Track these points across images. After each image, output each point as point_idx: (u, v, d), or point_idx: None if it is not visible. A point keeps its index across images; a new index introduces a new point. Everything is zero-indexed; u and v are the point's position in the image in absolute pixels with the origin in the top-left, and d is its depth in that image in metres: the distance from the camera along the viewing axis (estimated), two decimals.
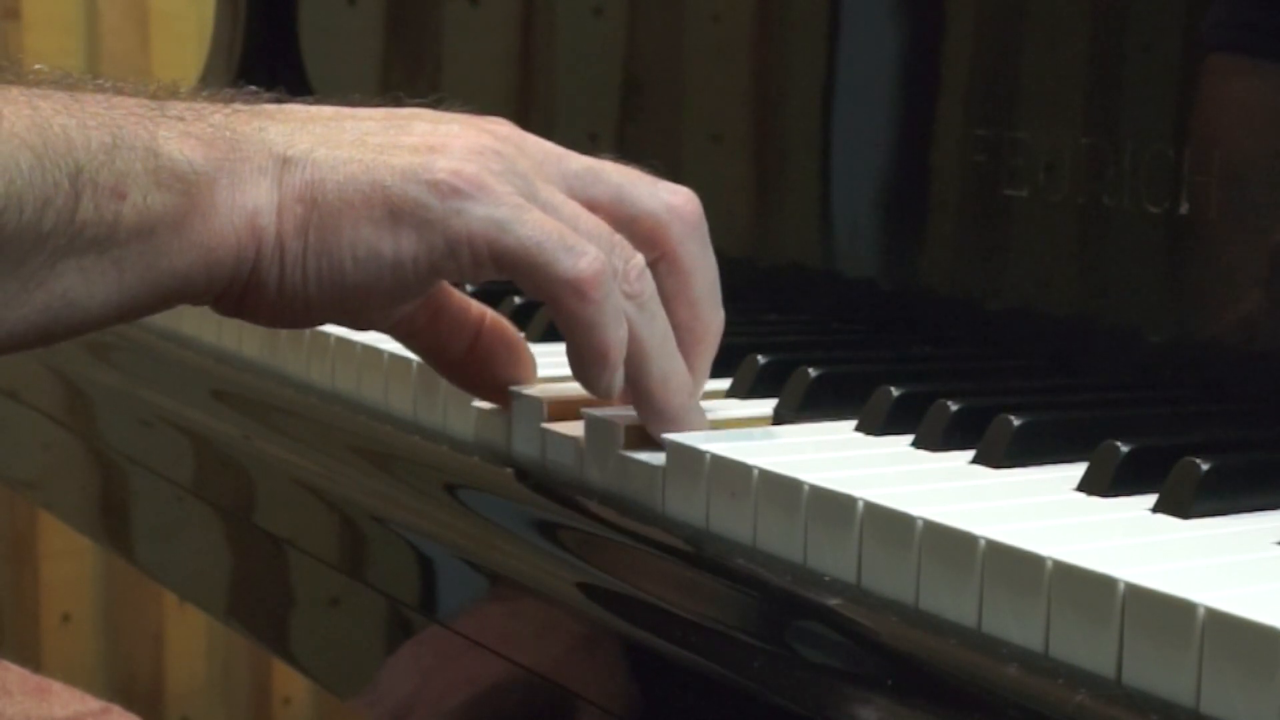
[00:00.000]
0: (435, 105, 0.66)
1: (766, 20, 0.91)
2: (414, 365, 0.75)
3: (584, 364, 0.62)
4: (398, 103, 0.66)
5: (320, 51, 1.30)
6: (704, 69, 0.95)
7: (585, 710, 0.61)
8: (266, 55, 1.32)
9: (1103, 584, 0.47)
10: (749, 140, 0.93)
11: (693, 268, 0.66)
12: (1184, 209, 0.69)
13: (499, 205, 0.60)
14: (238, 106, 0.61)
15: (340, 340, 0.81)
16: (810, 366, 0.69)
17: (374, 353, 0.78)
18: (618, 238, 0.63)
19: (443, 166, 0.60)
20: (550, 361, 0.74)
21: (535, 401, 0.68)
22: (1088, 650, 0.47)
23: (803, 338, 0.83)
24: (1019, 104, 0.77)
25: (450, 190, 0.60)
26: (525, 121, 0.67)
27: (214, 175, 0.58)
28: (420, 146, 0.61)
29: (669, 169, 0.67)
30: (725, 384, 0.72)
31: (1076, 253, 0.74)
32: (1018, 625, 0.49)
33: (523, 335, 0.72)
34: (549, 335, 0.82)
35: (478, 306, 0.69)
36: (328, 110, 0.63)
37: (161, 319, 0.98)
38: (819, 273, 0.87)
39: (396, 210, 0.59)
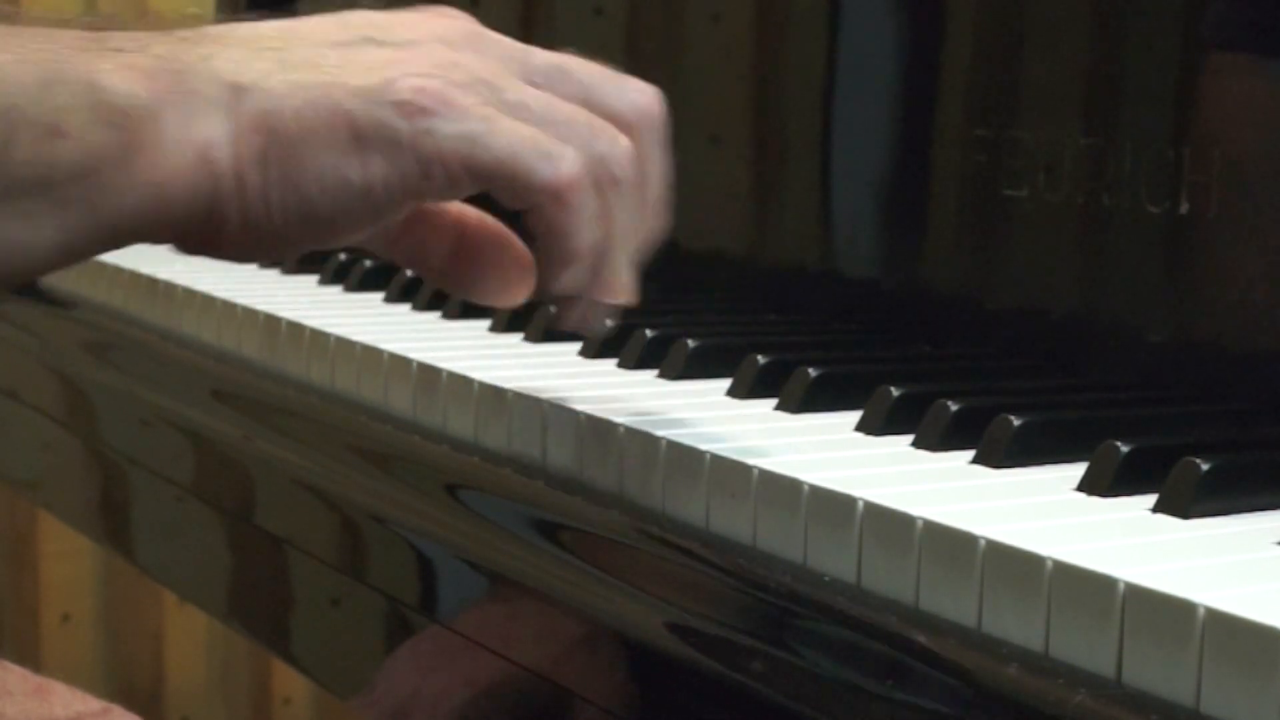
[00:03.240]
0: (389, 6, 0.63)
1: (766, 20, 0.91)
2: (414, 365, 0.75)
3: (553, 264, 0.60)
4: (351, 5, 0.63)
5: None
6: (704, 69, 0.95)
7: (586, 711, 0.61)
8: None
9: (1103, 584, 0.47)
10: (749, 140, 0.93)
11: (651, 171, 0.63)
12: (1184, 209, 0.69)
13: (468, 119, 0.57)
14: (182, 33, 0.58)
15: (340, 340, 0.81)
16: (810, 366, 0.69)
17: (374, 353, 0.78)
18: (597, 121, 0.60)
19: (405, 85, 0.57)
20: (549, 360, 0.74)
21: (536, 401, 0.68)
22: (1088, 650, 0.47)
23: (803, 338, 0.83)
24: (1019, 104, 0.77)
25: (417, 110, 0.57)
26: None
27: (158, 109, 0.55)
28: (377, 63, 0.58)
29: (669, 169, 0.67)
30: (725, 384, 0.72)
31: (1076, 253, 0.74)
32: (1018, 625, 0.49)
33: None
34: (549, 336, 0.82)
35: (454, 206, 0.66)
36: (274, 28, 0.60)
37: (162, 319, 0.98)
38: (819, 273, 0.87)
39: (361, 134, 0.57)
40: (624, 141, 0.60)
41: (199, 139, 0.56)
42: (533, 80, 0.61)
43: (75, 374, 1.08)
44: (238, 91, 0.56)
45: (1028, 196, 0.75)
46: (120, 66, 0.55)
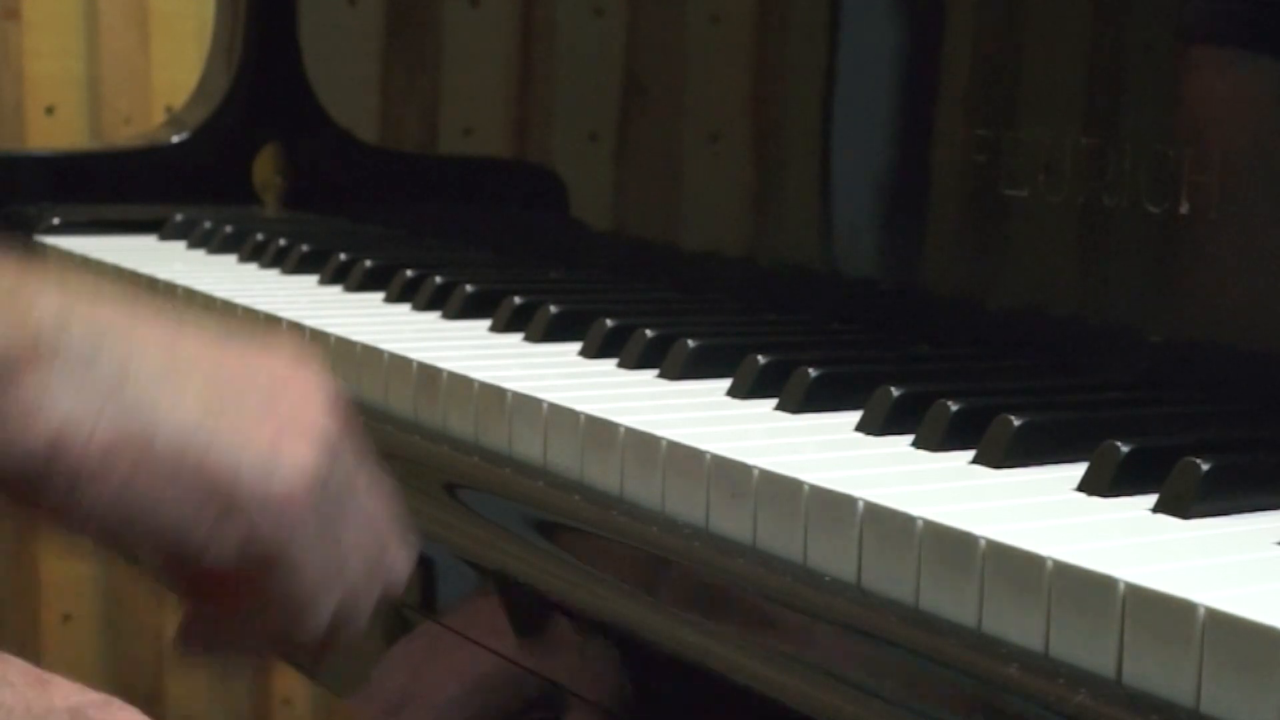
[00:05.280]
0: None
1: (766, 20, 0.91)
2: (414, 365, 0.75)
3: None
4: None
5: (320, 51, 1.30)
6: (704, 69, 0.95)
7: (586, 710, 0.61)
8: (266, 55, 1.33)
9: (1103, 584, 0.47)
10: (749, 140, 0.93)
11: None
12: (1184, 209, 0.69)
13: None
14: None
15: (340, 340, 0.81)
16: (810, 366, 0.69)
17: (374, 353, 0.79)
18: None
19: None
20: (550, 361, 0.74)
21: (535, 402, 0.68)
22: (1088, 650, 0.47)
23: (803, 338, 0.83)
24: (1019, 104, 0.77)
25: None
26: (526, 122, 0.66)
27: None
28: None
29: (669, 169, 0.67)
30: (725, 384, 0.72)
31: (1076, 253, 0.74)
32: (1018, 625, 0.49)
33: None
34: (549, 335, 0.82)
35: None
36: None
37: None
38: (819, 273, 0.87)
39: None
40: None
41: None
42: None
43: None
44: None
45: (1028, 196, 0.75)
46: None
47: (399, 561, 0.59)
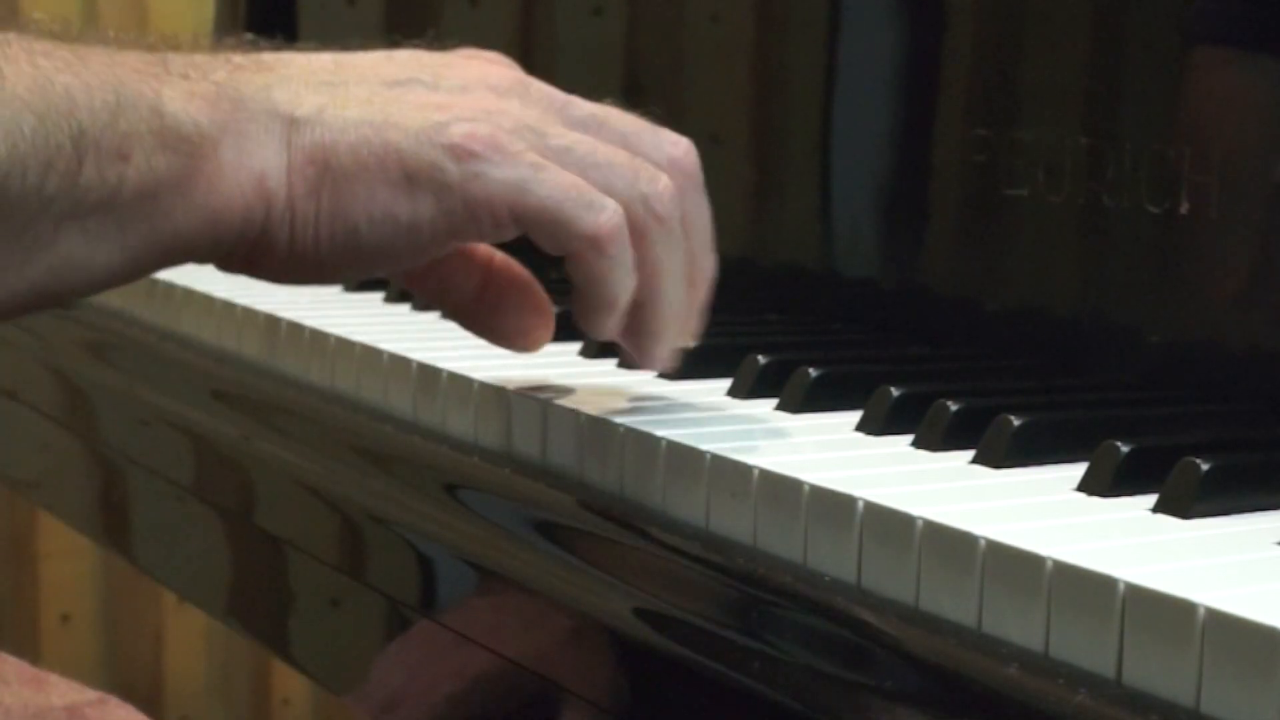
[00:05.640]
0: (433, 44, 0.65)
1: (766, 20, 0.91)
2: (414, 365, 0.75)
3: (591, 312, 0.62)
4: (394, 44, 0.65)
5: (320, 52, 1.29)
6: (704, 69, 0.95)
7: (585, 710, 0.61)
8: None
9: (1103, 584, 0.47)
10: (749, 140, 0.93)
11: (693, 218, 0.65)
12: (1184, 209, 0.69)
13: (517, 166, 0.59)
14: (238, 60, 0.60)
15: (340, 340, 0.81)
16: (810, 366, 0.69)
17: (374, 353, 0.78)
18: (638, 161, 0.62)
19: (456, 130, 0.59)
20: (550, 361, 0.74)
21: (536, 402, 0.68)
22: (1088, 650, 0.47)
23: (803, 338, 0.83)
24: (1019, 104, 0.77)
25: (466, 153, 0.59)
26: None
27: (219, 136, 0.57)
28: (429, 104, 0.60)
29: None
30: (725, 384, 0.72)
31: (1076, 253, 0.74)
32: (1018, 625, 0.49)
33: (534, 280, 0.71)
34: (556, 335, 0.82)
35: (484, 247, 0.68)
36: (328, 62, 0.62)
37: (162, 319, 0.98)
38: (819, 273, 0.87)
39: (412, 174, 0.59)
40: (665, 180, 0.62)
41: (256, 167, 0.58)
42: (574, 128, 0.63)
43: (75, 374, 1.08)
44: (294, 123, 0.59)
45: (1028, 196, 0.75)
46: (184, 94, 0.57)
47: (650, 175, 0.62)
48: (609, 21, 1.02)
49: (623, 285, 0.61)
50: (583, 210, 0.60)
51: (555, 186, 0.60)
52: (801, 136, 0.89)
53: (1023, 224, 0.76)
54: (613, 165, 0.61)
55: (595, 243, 0.60)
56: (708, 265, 0.66)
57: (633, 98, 1.01)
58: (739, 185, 0.92)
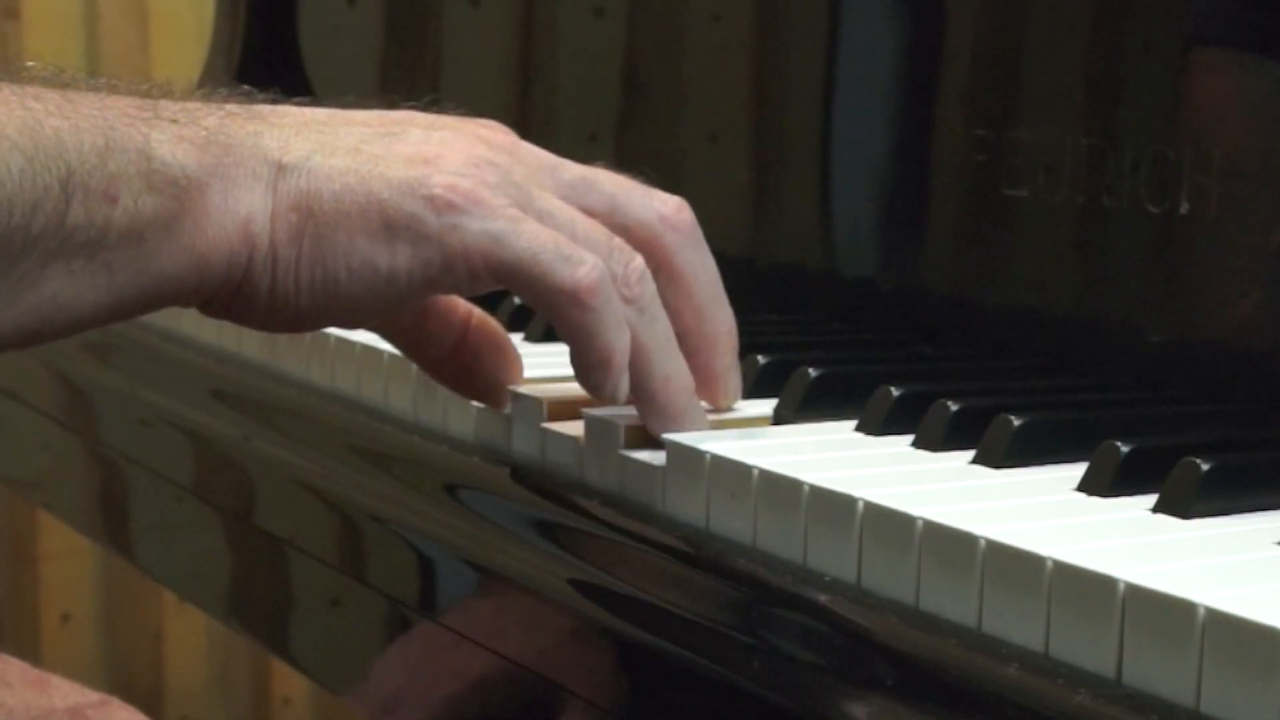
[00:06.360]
0: (429, 107, 0.66)
1: (766, 20, 0.91)
2: (414, 365, 0.75)
3: (588, 371, 0.62)
4: (392, 105, 0.66)
5: (320, 52, 1.29)
6: (704, 69, 0.95)
7: (585, 710, 0.61)
8: (266, 55, 1.32)
9: (1103, 584, 0.47)
10: (748, 140, 0.93)
11: (692, 274, 0.66)
12: (1184, 209, 0.69)
13: (494, 218, 0.60)
14: (231, 109, 0.61)
15: (340, 340, 0.81)
16: (810, 366, 0.69)
17: (374, 353, 0.78)
18: (616, 240, 0.63)
19: (438, 181, 0.60)
20: (550, 361, 0.74)
21: (535, 401, 0.68)
22: (1088, 650, 0.47)
23: (803, 338, 0.83)
24: (1019, 104, 0.77)
25: (446, 205, 0.60)
26: (525, 123, 0.67)
27: (206, 180, 0.58)
28: (415, 158, 0.61)
29: (669, 169, 0.67)
30: None
31: (1076, 253, 0.74)
32: (1018, 625, 0.49)
33: (513, 336, 0.72)
34: (549, 335, 0.82)
35: (464, 304, 0.69)
36: (321, 114, 0.63)
37: (161, 319, 0.98)
38: (819, 273, 0.87)
39: (392, 224, 0.59)
40: (639, 260, 0.63)
41: (241, 211, 0.58)
42: (561, 192, 0.64)
43: (75, 374, 1.08)
44: (281, 169, 0.59)
45: (1028, 196, 0.75)
46: (173, 138, 0.57)
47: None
48: (609, 21, 1.02)
49: (612, 339, 0.61)
50: (560, 263, 0.60)
51: (532, 239, 0.60)
52: (801, 136, 0.89)
53: (1023, 224, 0.76)
54: (589, 240, 0.62)
55: (574, 297, 0.60)
56: (721, 319, 0.66)
57: (633, 98, 1.01)
58: (739, 185, 0.92)
